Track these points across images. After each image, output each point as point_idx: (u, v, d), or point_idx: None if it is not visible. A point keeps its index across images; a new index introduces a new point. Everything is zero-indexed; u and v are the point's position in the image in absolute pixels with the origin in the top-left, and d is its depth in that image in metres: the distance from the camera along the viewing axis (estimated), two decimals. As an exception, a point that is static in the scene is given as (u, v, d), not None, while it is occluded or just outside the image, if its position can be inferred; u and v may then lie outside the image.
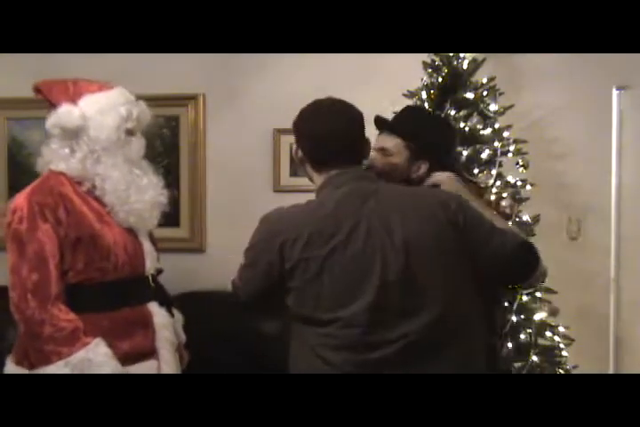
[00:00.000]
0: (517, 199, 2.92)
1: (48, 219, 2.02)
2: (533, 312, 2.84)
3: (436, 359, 1.63)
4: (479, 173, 2.88)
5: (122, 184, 2.12)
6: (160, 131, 3.70)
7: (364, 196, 1.69)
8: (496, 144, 2.91)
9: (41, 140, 3.77)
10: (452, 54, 2.95)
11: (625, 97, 3.35)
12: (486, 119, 2.94)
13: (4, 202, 3.81)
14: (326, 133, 1.74)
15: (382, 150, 2.11)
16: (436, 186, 1.97)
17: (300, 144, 1.79)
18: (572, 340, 2.94)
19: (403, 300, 1.62)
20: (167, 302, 2.28)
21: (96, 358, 1.97)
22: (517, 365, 2.79)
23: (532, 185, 2.98)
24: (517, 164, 2.93)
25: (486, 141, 2.93)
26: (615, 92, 3.34)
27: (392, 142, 2.10)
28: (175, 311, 2.37)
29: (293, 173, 3.58)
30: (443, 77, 2.96)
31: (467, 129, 2.92)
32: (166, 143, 3.70)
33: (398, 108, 3.04)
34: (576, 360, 2.96)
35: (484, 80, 3.01)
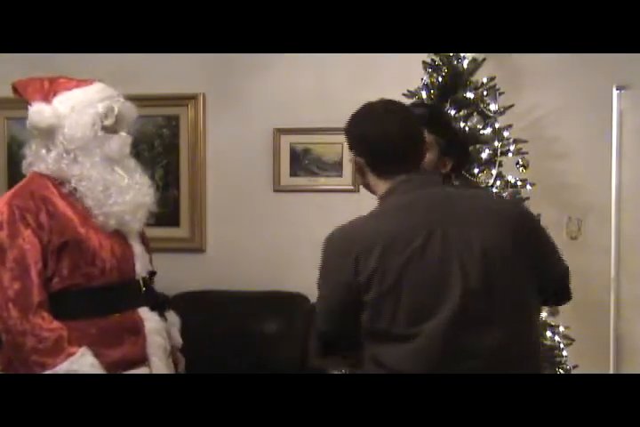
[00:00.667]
0: (517, 199, 2.92)
1: (30, 224, 1.94)
2: (533, 312, 2.84)
3: (519, 370, 1.59)
4: (479, 172, 2.88)
5: (99, 185, 2.02)
6: (160, 131, 3.70)
7: (436, 202, 1.61)
8: (496, 144, 2.91)
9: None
10: (452, 54, 2.95)
11: (625, 97, 3.35)
12: (486, 119, 2.94)
13: (3, 202, 3.82)
14: (392, 135, 1.62)
15: None
16: None
17: (360, 150, 1.66)
18: (572, 340, 2.95)
19: (486, 308, 1.54)
20: (160, 305, 2.19)
21: (81, 368, 1.89)
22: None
23: (532, 185, 2.98)
24: (517, 164, 2.93)
25: (486, 141, 2.93)
26: (615, 92, 3.34)
27: (426, 138, 1.93)
28: (172, 314, 2.28)
29: (293, 173, 3.58)
30: (443, 77, 2.96)
31: (467, 129, 2.92)
32: (166, 143, 3.70)
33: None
34: (576, 360, 2.96)
35: (484, 80, 3.01)
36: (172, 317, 2.29)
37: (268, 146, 3.59)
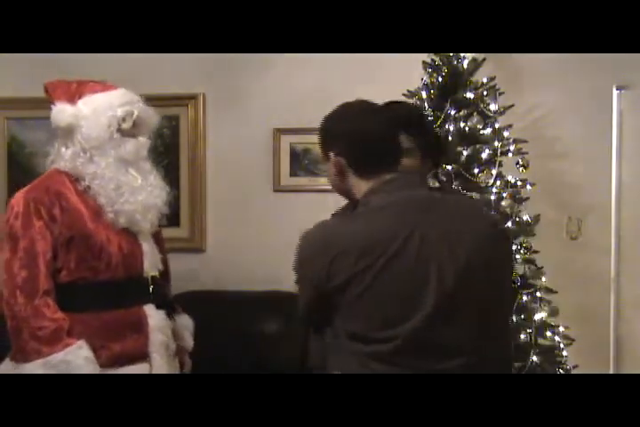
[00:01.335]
0: (517, 199, 2.92)
1: (42, 216, 2.04)
2: (533, 312, 2.84)
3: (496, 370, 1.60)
4: (479, 172, 2.88)
5: (112, 184, 2.12)
6: (160, 131, 3.69)
7: (417, 205, 1.58)
8: (496, 144, 2.91)
9: (41, 140, 3.79)
10: (451, 54, 2.95)
11: (625, 97, 3.35)
12: (486, 119, 2.94)
13: (4, 201, 3.81)
14: (374, 134, 1.60)
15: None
16: None
17: (341, 149, 1.61)
18: (572, 340, 2.95)
19: (461, 311, 1.53)
20: (168, 305, 2.25)
21: (75, 360, 1.96)
22: (517, 365, 2.80)
23: (532, 185, 2.98)
24: (517, 164, 2.93)
25: (486, 141, 2.93)
26: (615, 92, 3.34)
27: (408, 142, 1.93)
28: (185, 317, 2.37)
29: (293, 173, 3.58)
30: (443, 77, 2.96)
31: (467, 129, 2.92)
32: (166, 143, 3.70)
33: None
34: (576, 360, 2.96)
35: (484, 80, 3.01)
36: (186, 320, 2.38)
37: (268, 146, 3.59)
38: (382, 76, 3.46)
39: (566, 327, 2.97)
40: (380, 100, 3.36)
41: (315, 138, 3.73)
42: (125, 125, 2.16)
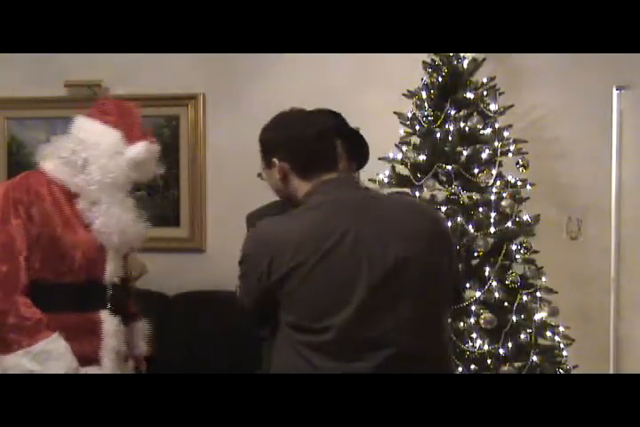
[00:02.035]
0: (517, 199, 2.92)
1: (20, 215, 2.07)
2: (533, 312, 2.84)
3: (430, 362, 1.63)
4: (479, 172, 2.88)
5: (92, 199, 2.13)
6: (160, 131, 3.70)
7: (352, 203, 1.66)
8: (496, 144, 2.91)
9: (41, 140, 3.78)
10: (452, 54, 2.96)
11: (625, 97, 3.35)
12: (486, 119, 2.94)
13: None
14: (313, 137, 1.71)
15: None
16: None
17: (284, 155, 1.71)
18: (572, 340, 2.95)
19: (391, 307, 1.59)
20: (125, 311, 2.28)
21: (57, 349, 2.01)
22: (517, 365, 2.80)
23: (532, 185, 2.98)
24: (517, 164, 2.93)
25: (486, 141, 2.94)
26: (615, 92, 3.34)
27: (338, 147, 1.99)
28: (141, 324, 2.39)
29: (293, 173, 3.58)
30: (443, 77, 2.96)
31: (467, 129, 2.92)
32: (166, 143, 3.69)
33: (398, 109, 3.08)
34: (576, 360, 2.97)
35: (484, 80, 3.01)
36: (139, 324, 2.39)
37: (267, 146, 3.59)
38: (382, 76, 3.46)
39: (566, 327, 2.97)
40: (380, 100, 3.39)
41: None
42: (132, 176, 2.16)
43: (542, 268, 2.93)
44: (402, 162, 3.00)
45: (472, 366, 2.75)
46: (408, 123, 3.04)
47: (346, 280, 1.57)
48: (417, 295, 1.60)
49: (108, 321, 2.18)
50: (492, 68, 3.11)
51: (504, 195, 2.89)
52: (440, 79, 2.97)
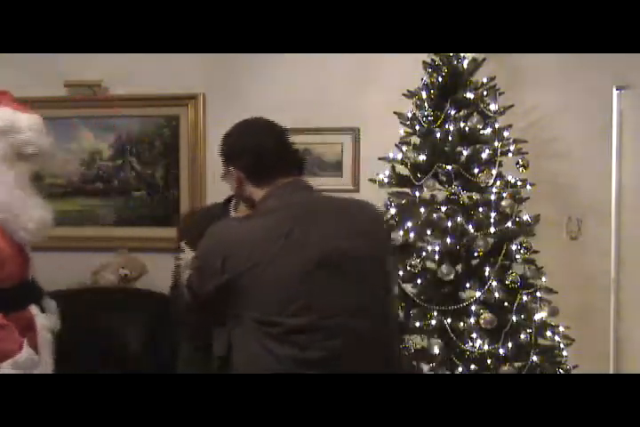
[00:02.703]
0: (517, 199, 2.92)
1: None
2: (533, 312, 2.84)
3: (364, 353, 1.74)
4: (479, 172, 2.88)
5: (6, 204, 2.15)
6: (160, 131, 3.70)
7: (307, 205, 1.81)
8: (496, 144, 2.91)
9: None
10: (452, 54, 2.95)
11: (625, 97, 3.35)
12: (486, 119, 2.94)
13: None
14: (267, 148, 1.83)
15: None
16: None
17: (240, 165, 1.84)
18: (572, 340, 2.95)
19: (338, 297, 1.72)
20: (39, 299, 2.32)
21: (35, 356, 2.06)
22: (517, 365, 2.80)
23: (532, 185, 2.98)
24: (517, 164, 2.93)
25: (486, 141, 2.94)
26: (615, 92, 3.34)
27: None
28: (53, 317, 2.37)
29: (293, 173, 3.59)
30: (443, 77, 2.96)
31: (467, 129, 2.92)
32: (166, 143, 3.70)
33: (398, 109, 3.08)
34: (576, 360, 2.97)
35: (484, 80, 3.01)
36: (52, 319, 2.36)
37: (267, 146, 3.59)
38: (382, 76, 3.46)
39: (566, 327, 2.97)
40: (380, 100, 3.39)
41: (314, 138, 3.76)
42: (19, 150, 2.17)
43: (542, 268, 2.93)
44: (402, 162, 3.00)
45: (472, 366, 2.75)
46: (408, 123, 3.04)
47: (295, 276, 1.70)
48: (360, 285, 1.75)
49: (39, 315, 2.22)
50: (491, 68, 3.10)
51: (504, 195, 2.89)
52: (440, 79, 2.97)
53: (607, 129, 3.36)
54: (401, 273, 2.88)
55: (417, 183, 2.91)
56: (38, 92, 3.72)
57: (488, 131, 2.93)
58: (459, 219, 2.85)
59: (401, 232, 2.87)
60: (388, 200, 3.01)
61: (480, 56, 3.01)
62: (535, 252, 2.93)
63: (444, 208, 2.86)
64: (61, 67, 3.65)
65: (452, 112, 2.93)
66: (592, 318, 3.35)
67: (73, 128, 3.71)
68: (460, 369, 2.73)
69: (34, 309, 2.22)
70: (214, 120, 3.65)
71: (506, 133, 2.96)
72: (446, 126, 2.91)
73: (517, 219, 2.88)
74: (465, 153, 2.91)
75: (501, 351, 2.76)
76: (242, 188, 1.86)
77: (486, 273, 2.82)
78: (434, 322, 2.79)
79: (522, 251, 2.87)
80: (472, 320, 2.77)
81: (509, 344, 2.78)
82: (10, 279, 2.16)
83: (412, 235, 2.87)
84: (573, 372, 2.92)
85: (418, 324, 2.80)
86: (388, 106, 3.15)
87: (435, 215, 2.85)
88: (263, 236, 1.73)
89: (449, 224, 2.83)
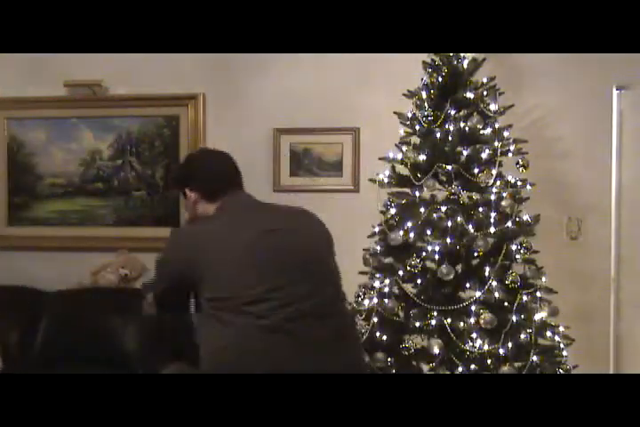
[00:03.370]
0: (517, 199, 2.92)
1: None
2: (533, 312, 2.84)
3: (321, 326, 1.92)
4: (479, 172, 2.88)
5: None
6: (160, 131, 3.70)
7: (259, 208, 2.13)
8: (496, 144, 2.91)
9: (41, 140, 3.79)
10: (452, 54, 2.95)
11: (625, 97, 3.35)
12: (486, 119, 2.94)
13: (4, 201, 3.82)
14: (222, 167, 2.17)
15: None
16: None
17: (196, 187, 2.13)
18: (572, 340, 2.95)
19: (296, 284, 1.94)
20: None
21: None
22: (517, 365, 2.80)
23: (532, 185, 2.98)
24: (517, 164, 2.93)
25: (486, 141, 2.93)
26: (615, 92, 3.34)
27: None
28: None
29: (293, 173, 3.59)
30: (443, 77, 2.96)
31: (467, 129, 2.92)
32: (166, 143, 3.70)
33: (399, 109, 3.08)
34: (576, 360, 2.96)
35: (484, 80, 3.01)
36: None
37: (268, 146, 3.60)
38: (382, 76, 3.46)
39: (566, 327, 2.97)
40: (380, 100, 3.39)
41: (314, 138, 3.75)
42: None
43: (542, 268, 2.93)
44: (402, 162, 3.00)
45: (472, 366, 2.75)
46: (408, 123, 3.04)
47: (255, 268, 1.94)
48: (313, 273, 1.99)
49: None
50: (491, 68, 3.10)
51: (504, 195, 2.88)
52: (440, 79, 2.96)
53: (607, 129, 3.36)
54: (401, 273, 2.88)
55: (417, 183, 2.91)
56: (38, 92, 3.73)
57: (488, 131, 2.93)
58: (459, 219, 2.84)
59: (401, 232, 2.87)
60: (388, 200, 3.01)
61: (480, 56, 3.01)
62: (535, 252, 2.93)
63: (443, 208, 2.86)
64: (61, 67, 3.65)
65: (452, 112, 2.92)
66: (592, 318, 3.35)
67: (73, 128, 3.71)
68: (460, 369, 2.72)
69: None
70: (214, 120, 3.65)
71: (506, 133, 2.96)
72: (446, 126, 2.91)
73: (517, 219, 2.88)
74: (465, 153, 2.91)
75: (501, 351, 2.76)
76: (196, 206, 2.13)
77: (486, 273, 2.82)
78: (434, 322, 2.78)
79: (522, 251, 2.86)
80: (472, 320, 2.77)
81: (509, 344, 2.77)
82: None
83: (411, 235, 2.87)
84: (573, 372, 2.92)
85: (418, 324, 2.80)
86: (388, 106, 3.15)
87: (435, 215, 2.85)
88: (230, 231, 1.99)
89: (449, 224, 2.83)
